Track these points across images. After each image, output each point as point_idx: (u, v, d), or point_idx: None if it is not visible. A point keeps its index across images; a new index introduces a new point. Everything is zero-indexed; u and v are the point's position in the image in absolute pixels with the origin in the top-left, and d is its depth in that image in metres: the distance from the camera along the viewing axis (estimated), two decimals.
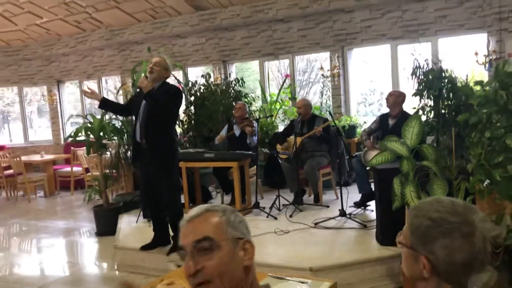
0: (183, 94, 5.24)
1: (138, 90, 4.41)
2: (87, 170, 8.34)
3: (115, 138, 6.08)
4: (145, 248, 4.47)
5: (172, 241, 4.44)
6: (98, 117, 5.82)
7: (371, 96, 8.82)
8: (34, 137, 11.45)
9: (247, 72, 8.23)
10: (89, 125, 5.72)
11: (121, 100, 8.36)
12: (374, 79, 7.93)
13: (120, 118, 6.11)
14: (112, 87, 9.72)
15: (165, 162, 4.22)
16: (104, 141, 5.82)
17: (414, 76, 4.73)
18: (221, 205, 1.21)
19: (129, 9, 8.21)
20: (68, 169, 8.95)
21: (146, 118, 4.21)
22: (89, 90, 4.30)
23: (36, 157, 9.17)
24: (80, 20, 8.80)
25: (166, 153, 4.21)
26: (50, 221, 7.00)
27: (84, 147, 8.60)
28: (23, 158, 8.67)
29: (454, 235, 1.08)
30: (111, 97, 8.73)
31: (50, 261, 5.22)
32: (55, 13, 8.60)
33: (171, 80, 5.14)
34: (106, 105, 4.50)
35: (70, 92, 10.90)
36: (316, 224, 4.77)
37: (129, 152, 6.45)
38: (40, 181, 8.74)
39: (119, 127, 6.00)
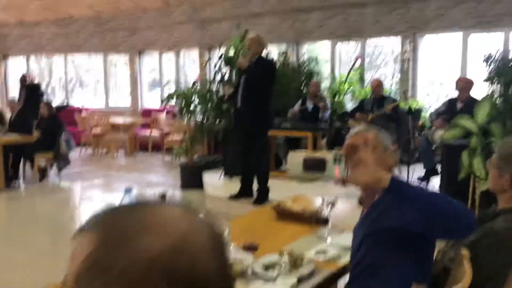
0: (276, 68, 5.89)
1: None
2: (166, 134, 9.19)
3: (201, 105, 6.79)
4: (232, 197, 5.19)
5: (256, 194, 5.14)
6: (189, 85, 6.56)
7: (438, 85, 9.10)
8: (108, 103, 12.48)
9: (317, 54, 8.75)
10: (182, 91, 6.46)
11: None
12: (441, 68, 8.24)
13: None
14: (191, 60, 10.48)
15: (259, 126, 4.91)
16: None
17: (486, 63, 5.12)
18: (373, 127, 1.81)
19: None
20: (147, 132, 9.85)
21: (245, 89, 4.90)
22: (227, 90, 5.13)
23: (119, 120, 10.13)
24: None
25: (261, 118, 4.90)
26: (136, 174, 7.91)
27: (164, 113, 9.51)
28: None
29: None
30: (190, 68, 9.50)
31: None
32: None
33: None
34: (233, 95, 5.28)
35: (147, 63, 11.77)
36: None
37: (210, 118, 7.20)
38: (122, 141, 9.69)
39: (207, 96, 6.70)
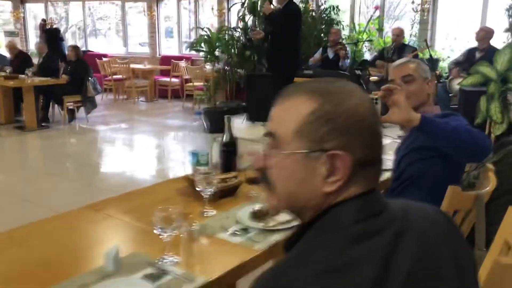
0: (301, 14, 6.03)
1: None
2: (186, 81, 9.41)
3: (225, 52, 6.98)
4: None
5: None
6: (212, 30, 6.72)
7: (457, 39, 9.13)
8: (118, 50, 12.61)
9: (334, 3, 8.76)
10: (206, 37, 6.63)
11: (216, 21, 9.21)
12: (460, 20, 8.27)
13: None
14: (209, 7, 10.50)
15: (289, 69, 5.14)
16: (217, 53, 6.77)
17: (507, 13, 5.25)
18: (415, 59, 2.04)
19: None
20: (167, 79, 10.06)
21: (273, 36, 5.10)
22: (257, 35, 5.30)
23: (140, 66, 10.32)
24: None
25: (290, 61, 5.12)
26: (158, 119, 8.20)
27: (183, 60, 9.68)
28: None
29: None
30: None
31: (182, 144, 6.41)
32: None
33: None
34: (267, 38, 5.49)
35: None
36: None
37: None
38: (143, 87, 9.94)
39: (230, 41, 6.88)
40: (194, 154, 2.08)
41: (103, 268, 1.26)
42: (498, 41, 6.01)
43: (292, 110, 0.80)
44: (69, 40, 12.87)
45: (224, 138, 2.12)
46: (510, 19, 5.20)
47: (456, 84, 5.53)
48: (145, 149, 6.34)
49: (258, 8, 6.67)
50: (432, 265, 0.76)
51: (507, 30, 5.11)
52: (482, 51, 5.75)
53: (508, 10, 5.19)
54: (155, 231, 1.28)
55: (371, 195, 0.79)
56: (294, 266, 0.71)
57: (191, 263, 1.32)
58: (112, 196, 1.89)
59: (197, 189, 1.66)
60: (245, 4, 6.90)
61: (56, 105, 7.72)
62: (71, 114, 7.59)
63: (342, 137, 0.76)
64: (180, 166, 5.42)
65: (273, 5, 5.22)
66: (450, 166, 1.88)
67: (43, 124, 7.22)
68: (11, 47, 8.22)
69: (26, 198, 4.20)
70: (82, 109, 7.60)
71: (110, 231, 1.57)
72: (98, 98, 8.63)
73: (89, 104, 7.53)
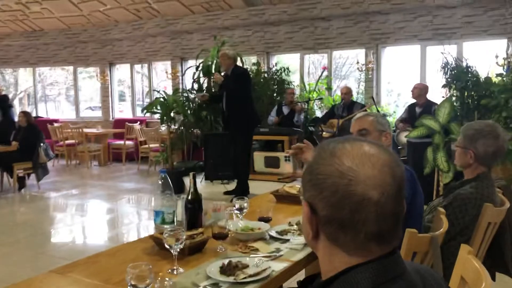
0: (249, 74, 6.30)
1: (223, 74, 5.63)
2: (141, 143, 9.38)
3: (182, 112, 7.09)
4: (228, 193, 5.61)
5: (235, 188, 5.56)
6: (167, 92, 6.85)
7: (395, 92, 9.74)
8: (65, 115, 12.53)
9: (285, 65, 9.21)
10: (162, 100, 6.74)
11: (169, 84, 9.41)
12: (402, 77, 8.87)
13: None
14: (161, 70, 10.72)
15: (242, 126, 5.35)
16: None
17: (443, 71, 5.70)
18: (374, 113, 2.19)
19: (186, 2, 9.21)
20: (121, 142, 9.99)
21: (228, 97, 5.38)
22: (202, 97, 5.63)
23: (93, 130, 10.23)
24: (139, 8, 9.84)
25: (243, 120, 5.33)
26: (112, 182, 8.07)
27: (138, 123, 9.70)
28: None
29: (488, 137, 2.07)
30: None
31: (138, 207, 6.29)
32: (119, 1, 9.64)
33: None
34: (211, 100, 5.81)
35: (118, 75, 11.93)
36: None
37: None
38: (97, 151, 9.81)
39: (186, 103, 7.02)
40: (159, 212, 2.09)
41: None
42: (437, 95, 6.46)
43: None
44: (17, 106, 12.66)
45: (189, 195, 2.15)
46: (445, 76, 5.63)
47: (403, 137, 5.84)
48: (99, 214, 6.18)
49: (213, 71, 6.92)
50: None
51: (444, 86, 5.53)
52: (421, 106, 6.14)
53: (443, 68, 5.64)
54: None
55: (385, 259, 0.82)
56: None
57: None
58: (79, 259, 1.85)
59: (166, 246, 1.67)
60: (200, 68, 7.13)
61: (5, 173, 7.45)
62: (22, 182, 7.35)
63: (310, 190, 0.84)
64: (134, 230, 5.34)
65: (221, 73, 5.65)
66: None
67: None
68: None
69: None
70: (32, 176, 7.38)
71: None
72: (49, 164, 8.42)
73: (41, 170, 7.33)
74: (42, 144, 7.28)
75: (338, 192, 0.80)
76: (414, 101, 6.32)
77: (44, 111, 12.86)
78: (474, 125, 2.16)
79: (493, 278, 2.53)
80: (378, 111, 6.26)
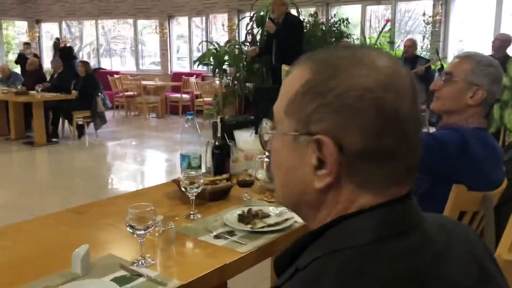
0: (302, 24, 6.01)
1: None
2: (196, 96, 9.40)
3: (233, 65, 6.95)
4: None
5: None
6: (222, 44, 6.71)
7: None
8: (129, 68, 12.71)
9: (344, 16, 8.73)
10: (214, 51, 6.62)
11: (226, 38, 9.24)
12: (472, 31, 8.15)
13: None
14: (220, 24, 10.55)
15: None
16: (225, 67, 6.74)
17: None
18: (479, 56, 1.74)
19: None
20: (177, 95, 10.07)
21: (277, 48, 5.10)
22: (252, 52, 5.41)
23: (151, 83, 10.36)
24: None
25: None
26: (168, 134, 8.18)
27: (194, 76, 9.69)
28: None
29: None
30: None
31: None
32: None
33: None
34: (261, 54, 5.56)
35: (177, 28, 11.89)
36: None
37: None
38: (154, 103, 9.95)
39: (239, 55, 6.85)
40: (185, 157, 1.99)
41: (72, 270, 1.17)
42: None
43: (288, 84, 0.66)
44: (84, 58, 13.05)
45: (217, 140, 2.03)
46: None
47: None
48: (155, 163, 6.29)
49: (267, 21, 6.65)
50: None
51: None
52: (498, 60, 5.60)
53: None
54: (128, 229, 1.19)
55: (398, 205, 0.61)
56: None
57: (168, 265, 1.21)
58: (98, 200, 1.80)
59: (182, 189, 1.56)
60: (254, 18, 6.89)
61: (66, 121, 7.74)
62: (81, 130, 7.60)
63: (331, 118, 0.59)
64: None
65: (275, 21, 5.31)
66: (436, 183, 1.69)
67: (52, 139, 7.23)
68: (33, 63, 8.30)
69: (31, 212, 4.15)
70: (91, 125, 7.61)
71: (89, 233, 1.48)
72: (109, 114, 8.67)
73: (99, 119, 7.54)
74: (100, 94, 7.45)
75: (385, 111, 0.58)
76: (490, 54, 5.79)
77: (108, 64, 13.17)
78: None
79: None
80: (442, 66, 5.78)
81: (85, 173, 5.80)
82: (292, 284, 0.59)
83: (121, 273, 1.16)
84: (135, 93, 9.86)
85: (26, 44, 10.64)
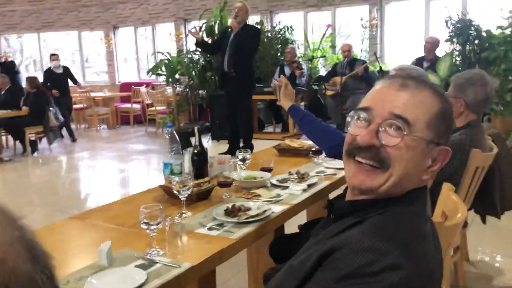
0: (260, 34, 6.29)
1: (223, 31, 5.53)
2: (147, 106, 9.51)
3: (186, 74, 7.17)
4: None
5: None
6: (173, 54, 6.92)
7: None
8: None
9: (288, 24, 9.16)
10: (166, 61, 6.81)
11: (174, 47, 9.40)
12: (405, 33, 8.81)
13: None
14: (167, 33, 10.70)
15: (246, 87, 5.36)
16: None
17: (446, 25, 5.70)
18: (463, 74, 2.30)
19: None
20: (128, 105, 10.13)
21: (233, 52, 5.32)
22: (194, 31, 5.46)
23: (100, 94, 10.35)
24: None
25: (247, 80, 5.35)
26: (122, 145, 8.26)
27: (144, 86, 9.79)
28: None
29: (477, 85, 2.18)
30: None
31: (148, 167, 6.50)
32: None
33: None
34: (202, 44, 5.64)
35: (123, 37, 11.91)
36: None
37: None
38: (105, 115, 9.96)
39: (191, 64, 7.08)
40: (168, 164, 2.24)
41: (98, 263, 1.40)
42: (441, 51, 6.47)
43: (423, 103, 0.93)
44: (24, 73, 12.74)
45: (195, 148, 2.29)
46: (449, 31, 5.64)
47: None
48: (111, 174, 6.39)
49: (216, 31, 6.93)
50: None
51: (447, 41, 5.55)
52: (429, 61, 6.18)
53: (446, 22, 5.63)
54: (142, 226, 1.44)
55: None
56: (394, 231, 0.86)
57: (176, 253, 1.48)
58: (94, 208, 2.02)
59: (175, 192, 1.82)
60: (203, 28, 7.14)
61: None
62: (34, 146, 7.55)
63: (448, 136, 0.96)
64: (145, 188, 5.52)
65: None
66: None
67: (2, 157, 7.15)
68: None
69: None
70: (44, 140, 7.56)
71: (99, 235, 1.70)
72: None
73: (51, 134, 7.52)
74: (51, 109, 7.44)
75: None
76: (422, 55, 6.35)
77: None
78: (463, 74, 2.25)
79: (484, 221, 2.69)
80: (380, 67, 6.30)
81: (41, 188, 5.83)
82: (384, 217, 0.90)
83: (140, 261, 1.41)
84: (85, 105, 9.83)
85: None
